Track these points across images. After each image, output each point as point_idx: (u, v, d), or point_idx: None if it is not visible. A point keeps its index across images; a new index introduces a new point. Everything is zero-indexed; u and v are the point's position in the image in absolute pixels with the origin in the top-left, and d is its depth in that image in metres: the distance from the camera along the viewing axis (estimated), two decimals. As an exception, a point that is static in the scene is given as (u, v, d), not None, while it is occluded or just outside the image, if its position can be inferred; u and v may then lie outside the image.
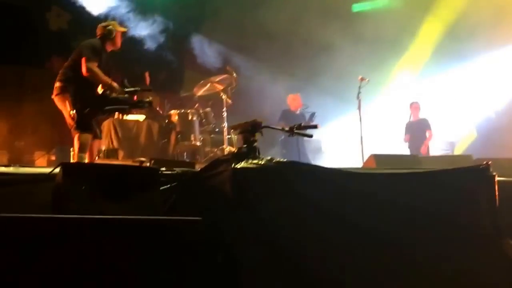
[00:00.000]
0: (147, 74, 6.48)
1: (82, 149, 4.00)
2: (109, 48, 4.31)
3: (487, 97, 7.53)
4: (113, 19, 4.62)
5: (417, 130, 6.87)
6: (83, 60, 4.01)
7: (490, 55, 7.54)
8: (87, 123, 4.05)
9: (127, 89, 4.15)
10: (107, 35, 4.26)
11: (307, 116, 6.58)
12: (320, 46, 7.29)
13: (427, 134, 6.82)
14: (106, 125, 5.66)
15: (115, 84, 4.11)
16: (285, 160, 2.60)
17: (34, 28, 6.93)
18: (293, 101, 6.84)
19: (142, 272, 2.14)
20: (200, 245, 2.23)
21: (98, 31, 4.32)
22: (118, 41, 4.34)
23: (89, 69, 3.99)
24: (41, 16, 7.06)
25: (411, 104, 7.04)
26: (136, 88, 4.26)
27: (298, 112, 6.76)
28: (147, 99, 4.26)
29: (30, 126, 6.45)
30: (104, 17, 6.71)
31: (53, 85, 4.13)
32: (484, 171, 2.66)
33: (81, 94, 4.03)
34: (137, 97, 4.31)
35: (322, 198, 2.42)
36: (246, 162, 2.39)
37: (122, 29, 4.43)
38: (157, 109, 6.40)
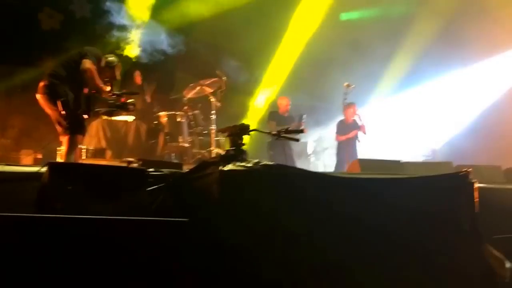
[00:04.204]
0: (137, 74, 6.47)
1: (71, 150, 3.98)
2: (98, 67, 4.30)
3: (470, 103, 7.74)
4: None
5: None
6: (84, 59, 4.05)
7: (476, 65, 7.75)
8: (80, 125, 4.05)
9: (114, 92, 4.21)
10: (107, 62, 4.31)
11: (296, 118, 6.64)
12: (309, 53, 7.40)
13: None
14: (95, 125, 5.63)
15: (105, 88, 4.15)
16: (272, 163, 2.63)
17: (26, 27, 6.88)
18: (281, 103, 6.88)
19: (128, 272, 2.15)
20: (186, 246, 2.25)
21: (103, 55, 4.36)
22: (104, 71, 4.34)
23: (88, 69, 4.03)
24: (33, 16, 7.01)
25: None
26: (123, 91, 4.38)
27: (286, 114, 6.83)
28: (130, 101, 4.31)
29: (17, 124, 6.37)
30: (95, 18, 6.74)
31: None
32: (464, 178, 2.74)
33: (74, 95, 4.02)
34: (124, 99, 4.35)
35: (308, 201, 2.47)
36: (234, 164, 2.42)
37: (118, 74, 4.43)
38: (148, 99, 6.42)
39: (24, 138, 6.26)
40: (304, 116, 6.49)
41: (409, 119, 7.87)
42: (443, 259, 2.62)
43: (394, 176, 3.13)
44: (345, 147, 6.54)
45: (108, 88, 4.21)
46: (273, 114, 6.84)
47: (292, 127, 6.03)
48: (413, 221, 2.59)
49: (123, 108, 4.35)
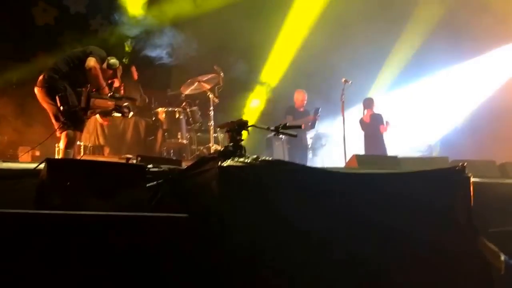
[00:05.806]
0: (133, 69, 6.46)
1: (69, 146, 3.98)
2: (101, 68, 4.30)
3: (465, 98, 7.78)
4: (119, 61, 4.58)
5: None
6: (90, 57, 4.08)
7: (471, 61, 7.78)
8: (78, 121, 4.05)
9: (113, 95, 4.24)
10: (108, 64, 4.32)
11: (311, 111, 6.63)
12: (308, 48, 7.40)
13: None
14: (92, 121, 5.61)
15: (106, 91, 4.18)
16: (270, 158, 2.65)
17: (20, 22, 6.82)
18: (297, 98, 6.86)
19: (127, 268, 2.16)
20: (186, 242, 2.27)
21: (106, 57, 4.38)
22: (105, 72, 4.36)
23: (93, 67, 4.06)
24: (27, 11, 6.94)
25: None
26: (122, 96, 4.44)
27: (302, 109, 6.81)
28: (125, 104, 4.36)
29: (14, 120, 6.34)
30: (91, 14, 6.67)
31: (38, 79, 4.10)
32: (460, 172, 2.77)
33: (73, 91, 4.02)
34: (123, 100, 4.41)
35: (306, 197, 2.48)
36: (232, 160, 2.43)
37: (119, 76, 4.45)
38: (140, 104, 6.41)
39: (21, 134, 6.24)
40: (320, 109, 6.52)
41: (405, 114, 7.90)
42: (439, 252, 2.65)
43: (391, 171, 3.15)
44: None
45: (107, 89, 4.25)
46: (290, 108, 6.81)
47: (307, 120, 6.07)
48: (410, 216, 2.62)
49: (119, 112, 4.38)
